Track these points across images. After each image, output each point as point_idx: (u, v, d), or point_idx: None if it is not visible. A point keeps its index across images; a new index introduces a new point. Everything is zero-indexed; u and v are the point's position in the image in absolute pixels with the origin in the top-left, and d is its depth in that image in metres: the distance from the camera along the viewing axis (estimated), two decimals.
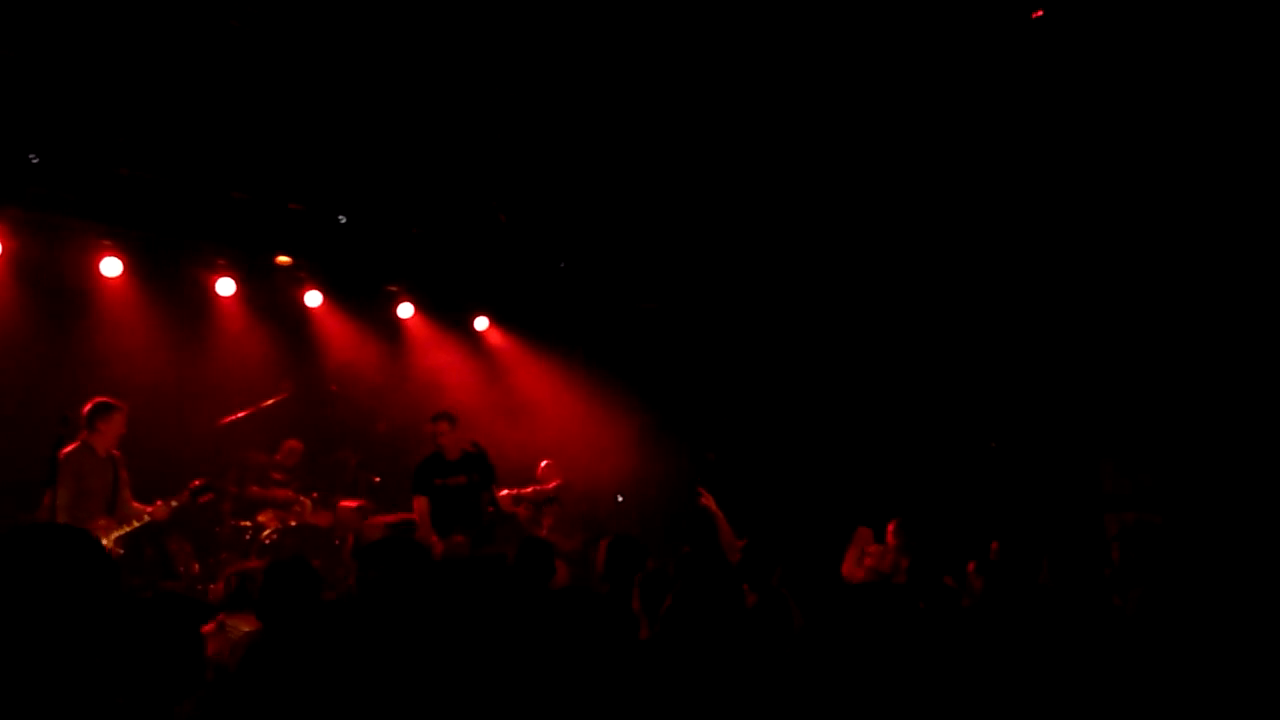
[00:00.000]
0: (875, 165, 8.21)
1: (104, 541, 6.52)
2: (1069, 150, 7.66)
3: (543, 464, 9.49)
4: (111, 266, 8.24)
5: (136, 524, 6.79)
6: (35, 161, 6.97)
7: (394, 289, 9.94)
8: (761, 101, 7.55)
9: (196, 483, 6.95)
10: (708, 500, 6.30)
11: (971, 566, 4.26)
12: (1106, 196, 7.96)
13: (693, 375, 10.17)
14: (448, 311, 10.30)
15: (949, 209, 8.51)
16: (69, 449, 6.43)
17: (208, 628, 3.99)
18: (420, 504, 7.71)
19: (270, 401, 8.94)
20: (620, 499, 10.14)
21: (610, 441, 9.75)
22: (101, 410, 6.64)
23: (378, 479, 9.44)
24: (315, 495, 8.87)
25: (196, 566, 8.24)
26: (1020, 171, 7.98)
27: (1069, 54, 6.70)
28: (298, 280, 9.34)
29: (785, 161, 8.26)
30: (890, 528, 6.69)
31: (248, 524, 8.55)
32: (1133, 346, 8.46)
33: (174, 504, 6.88)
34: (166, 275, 8.71)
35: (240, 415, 8.81)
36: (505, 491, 8.39)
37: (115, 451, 6.73)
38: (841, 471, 9.21)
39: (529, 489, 9.07)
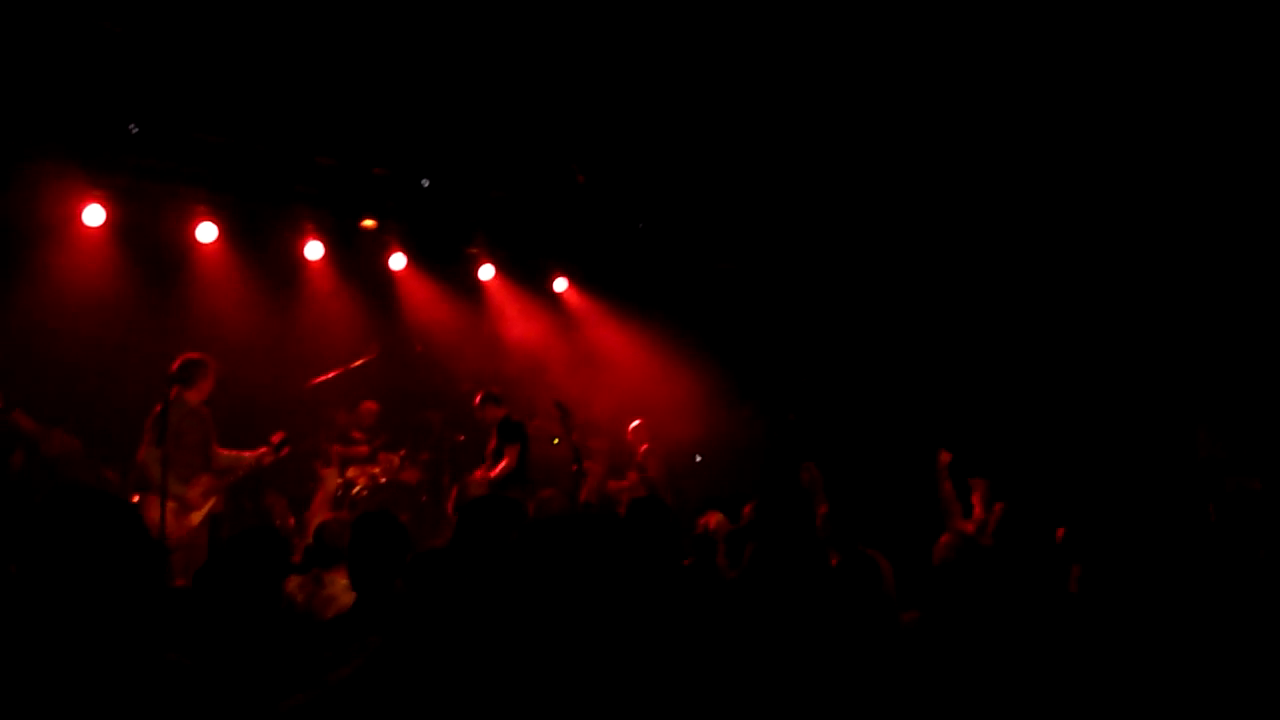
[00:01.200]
0: (961, 120, 8.00)
1: (204, 499, 6.81)
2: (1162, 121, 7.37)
3: (633, 425, 9.55)
4: (207, 232, 8.52)
5: (242, 472, 7.07)
6: (135, 131, 7.21)
7: (475, 251, 10.08)
8: (841, 59, 7.41)
9: (277, 437, 7.18)
10: (814, 476, 6.16)
11: (1061, 532, 4.18)
12: (1204, 163, 7.65)
13: (772, 336, 10.12)
14: (528, 273, 10.41)
15: (1026, 173, 8.27)
16: (162, 406, 6.59)
17: (299, 581, 4.13)
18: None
19: (358, 362, 9.19)
20: (699, 459, 10.19)
21: (688, 402, 9.77)
22: (194, 366, 6.83)
23: (462, 438, 9.66)
24: (403, 453, 9.13)
25: (292, 520, 8.59)
26: (1112, 136, 7.70)
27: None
28: (383, 244, 9.52)
29: (869, 118, 8.10)
30: (976, 493, 6.61)
31: (339, 480, 8.87)
32: (1227, 310, 8.14)
33: (264, 450, 7.14)
34: (258, 240, 8.97)
35: (329, 375, 9.07)
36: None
37: (203, 407, 6.94)
38: (924, 431, 9.09)
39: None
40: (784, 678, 2.15)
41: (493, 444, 8.46)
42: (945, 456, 6.63)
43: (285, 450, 7.28)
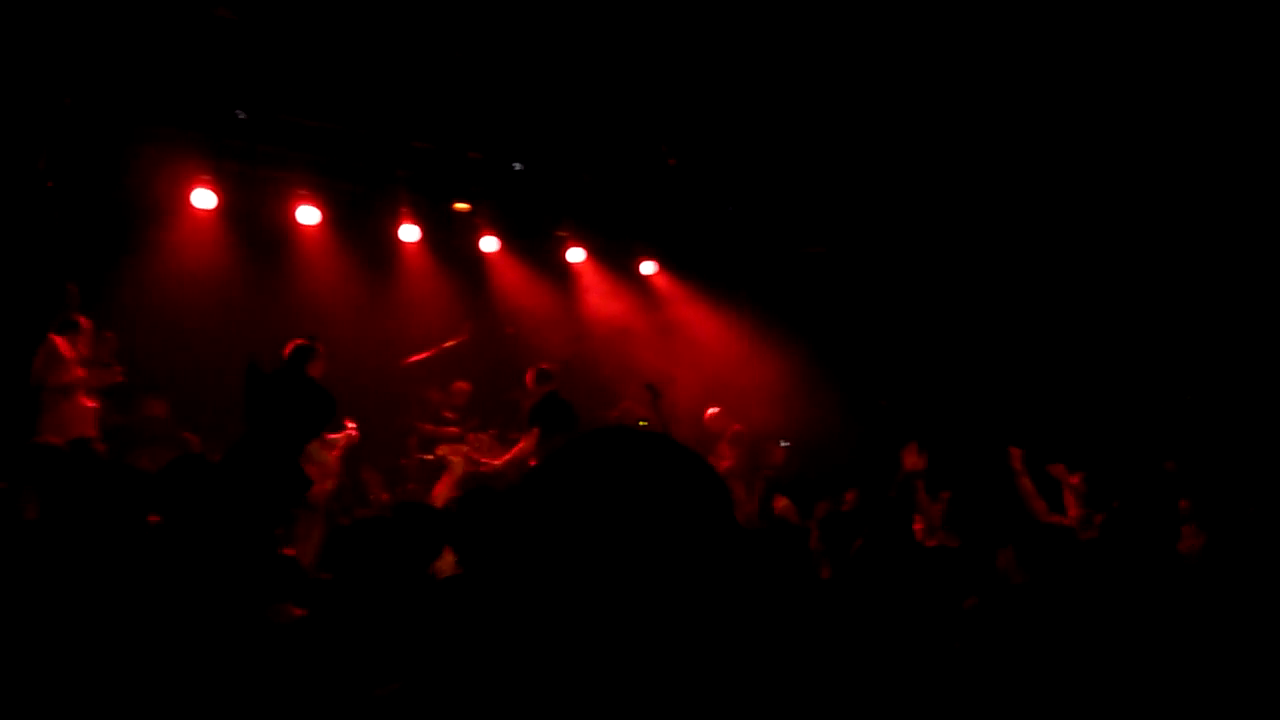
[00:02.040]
0: (1060, 101, 7.73)
1: (337, 464, 7.20)
2: None
3: (710, 412, 9.41)
4: (308, 215, 8.77)
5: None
6: (243, 118, 7.45)
7: (564, 234, 10.16)
8: (935, 38, 7.23)
9: (350, 424, 7.52)
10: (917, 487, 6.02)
11: (1189, 529, 4.02)
12: None
13: (862, 320, 9.97)
14: (616, 256, 10.46)
15: (1129, 159, 7.95)
16: None
17: None
18: None
19: (451, 343, 9.36)
20: (785, 444, 10.11)
21: (776, 386, 9.70)
22: (307, 352, 7.09)
23: None
24: (494, 432, 9.27)
25: (386, 496, 8.81)
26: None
27: None
28: (475, 226, 9.67)
29: (966, 97, 7.89)
30: (1075, 480, 6.43)
31: (431, 457, 9.06)
32: None
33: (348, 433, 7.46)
34: (357, 222, 9.20)
35: (423, 355, 9.26)
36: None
37: None
38: (1020, 419, 8.87)
39: None
40: (896, 671, 2.14)
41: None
42: (1015, 453, 6.50)
43: (356, 438, 7.59)
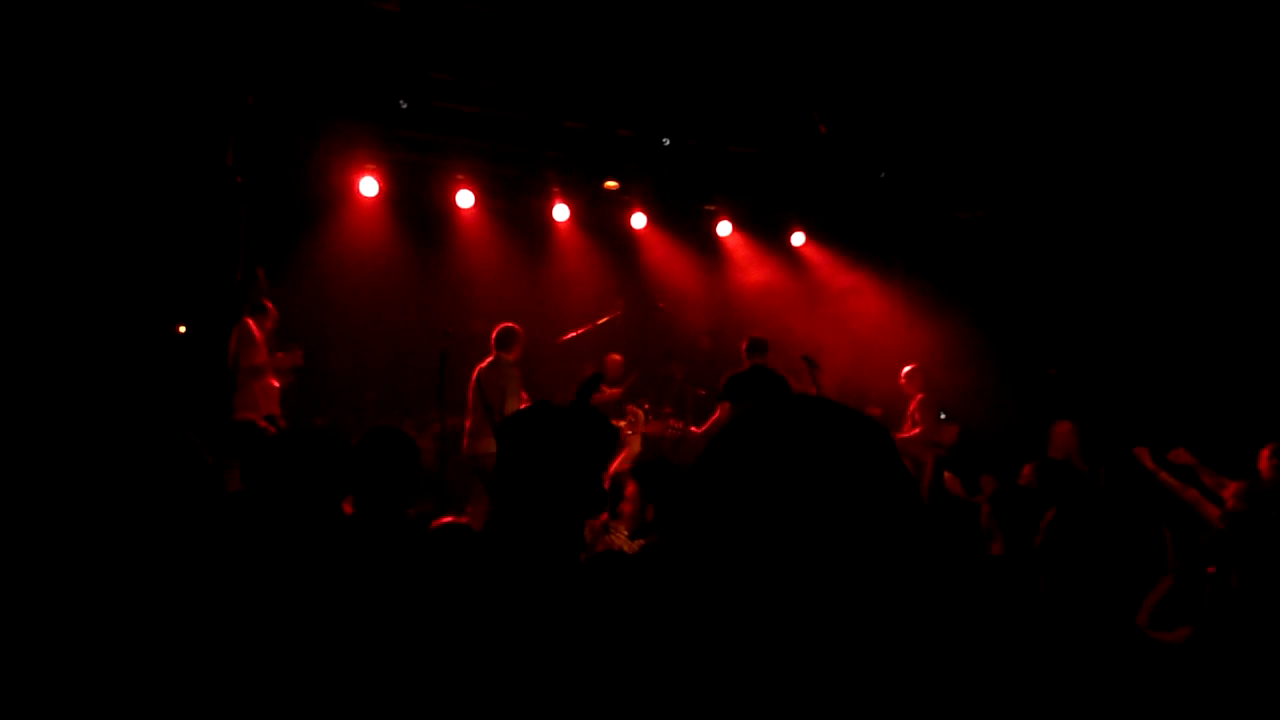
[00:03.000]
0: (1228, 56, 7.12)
1: None
2: None
3: (906, 370, 8.97)
4: (465, 199, 9.11)
5: None
6: (405, 107, 7.76)
7: (713, 208, 10.17)
8: None
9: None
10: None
11: None
12: None
13: (1025, 286, 9.54)
14: (765, 228, 10.40)
15: None
16: (482, 366, 7.51)
17: (591, 524, 4.38)
18: None
19: (604, 319, 9.55)
20: (943, 416, 9.82)
21: (935, 356, 9.42)
22: (510, 333, 7.59)
23: (702, 392, 9.83)
24: (646, 406, 9.41)
25: None
26: None
27: None
28: (624, 203, 9.80)
29: (1133, 47, 7.39)
30: (1265, 454, 6.00)
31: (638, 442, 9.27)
32: None
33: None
34: (511, 204, 9.49)
35: (579, 331, 9.49)
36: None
37: (516, 367, 7.65)
38: (1195, 389, 8.32)
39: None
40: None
41: None
42: (1142, 453, 6.09)
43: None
